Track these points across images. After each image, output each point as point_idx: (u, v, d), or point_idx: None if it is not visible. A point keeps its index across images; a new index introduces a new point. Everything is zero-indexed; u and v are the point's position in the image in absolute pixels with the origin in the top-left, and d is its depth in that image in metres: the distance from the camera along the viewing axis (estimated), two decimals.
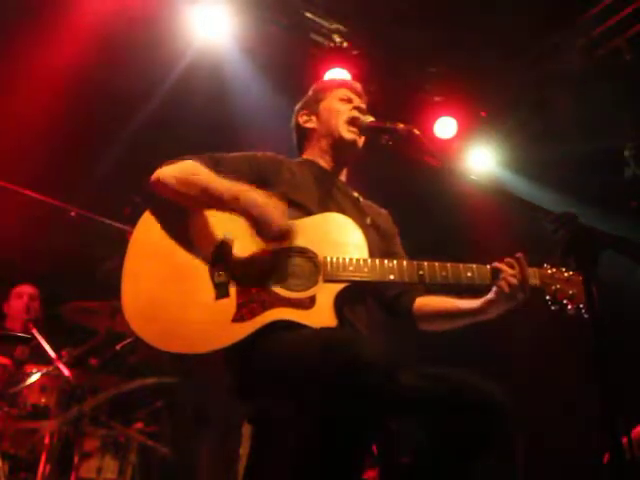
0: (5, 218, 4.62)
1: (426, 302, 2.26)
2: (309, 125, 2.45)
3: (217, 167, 2.12)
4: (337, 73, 4.76)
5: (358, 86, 2.50)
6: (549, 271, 2.06)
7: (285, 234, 1.92)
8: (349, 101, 2.41)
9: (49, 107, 4.61)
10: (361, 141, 2.37)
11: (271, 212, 1.90)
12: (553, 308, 2.04)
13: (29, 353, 4.36)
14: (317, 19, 4.72)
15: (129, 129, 5.04)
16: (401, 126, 2.16)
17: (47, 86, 4.56)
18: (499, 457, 1.92)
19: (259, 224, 1.90)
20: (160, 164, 2.12)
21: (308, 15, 4.68)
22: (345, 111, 2.36)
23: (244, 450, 4.27)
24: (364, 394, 1.58)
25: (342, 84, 2.51)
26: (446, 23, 4.59)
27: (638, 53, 4.41)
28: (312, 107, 2.47)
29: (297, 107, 2.53)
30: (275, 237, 1.91)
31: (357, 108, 2.37)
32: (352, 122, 2.33)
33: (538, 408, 4.56)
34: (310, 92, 2.56)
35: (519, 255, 2.02)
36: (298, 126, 2.50)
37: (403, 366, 1.83)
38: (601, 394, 1.41)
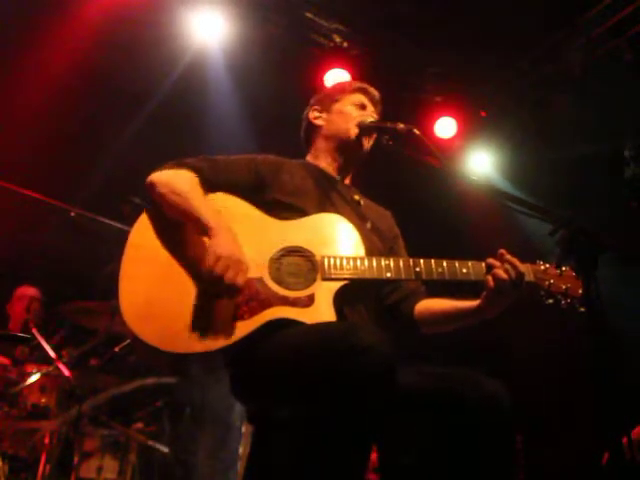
0: (5, 218, 4.62)
1: (426, 306, 2.26)
2: (318, 122, 2.45)
3: (215, 171, 2.12)
4: (337, 73, 4.77)
5: (376, 94, 2.48)
6: (542, 267, 2.07)
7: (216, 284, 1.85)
8: (363, 107, 2.41)
9: (49, 107, 4.61)
10: (368, 144, 2.37)
11: (223, 262, 1.84)
12: (547, 303, 2.05)
13: (29, 353, 4.36)
14: (317, 19, 4.72)
15: (129, 129, 5.05)
16: (401, 126, 2.17)
17: (47, 86, 4.56)
18: (499, 455, 1.92)
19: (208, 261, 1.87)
20: (158, 166, 2.13)
21: (308, 15, 4.69)
22: (357, 117, 2.35)
23: (244, 450, 4.29)
24: (364, 384, 1.59)
25: (359, 89, 2.48)
26: (446, 23, 4.59)
27: (638, 53, 4.42)
28: (325, 105, 2.46)
29: (312, 101, 2.53)
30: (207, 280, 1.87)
31: (364, 114, 2.36)
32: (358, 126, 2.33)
33: (538, 407, 4.56)
34: (327, 89, 2.56)
35: (502, 251, 2.03)
36: (307, 120, 2.49)
37: (403, 365, 1.83)
38: (601, 394, 1.41)
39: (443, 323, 2.23)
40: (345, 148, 2.38)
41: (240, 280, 1.85)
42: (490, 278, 1.98)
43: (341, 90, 2.50)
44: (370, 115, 2.38)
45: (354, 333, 1.66)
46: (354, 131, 2.33)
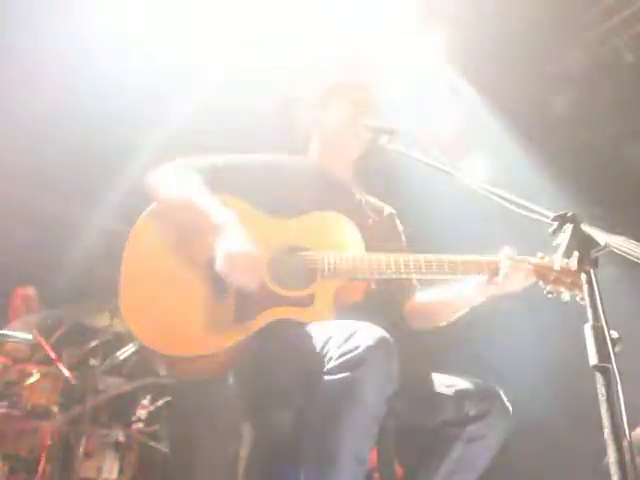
0: (5, 218, 4.62)
1: (418, 300, 2.27)
2: (313, 125, 2.45)
3: (214, 171, 2.12)
4: None
5: (367, 86, 2.48)
6: (543, 260, 2.07)
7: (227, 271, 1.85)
8: (355, 103, 2.39)
9: (49, 106, 4.61)
10: (365, 142, 2.36)
11: (232, 255, 1.84)
12: (549, 296, 2.06)
13: (29, 353, 4.36)
14: None
15: (129, 128, 5.04)
16: (401, 126, 2.16)
17: (47, 85, 4.56)
18: (499, 458, 1.92)
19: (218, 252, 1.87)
20: (156, 166, 2.12)
21: None
22: (351, 114, 2.34)
23: (244, 450, 4.28)
24: (366, 384, 1.59)
25: (350, 84, 2.48)
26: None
27: (638, 53, 4.41)
28: (318, 106, 2.46)
29: (304, 103, 2.53)
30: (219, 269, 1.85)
31: (363, 113, 2.35)
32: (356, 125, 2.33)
33: (538, 409, 4.56)
34: (319, 90, 2.53)
35: (508, 251, 2.04)
36: (302, 124, 2.49)
37: (403, 366, 1.83)
38: (601, 394, 1.41)
39: (434, 316, 2.23)
40: (342, 147, 2.37)
41: (253, 278, 1.84)
42: (497, 273, 1.99)
43: (333, 88, 2.48)
44: (364, 109, 2.36)
45: (356, 332, 1.67)
46: (350, 129, 2.32)
